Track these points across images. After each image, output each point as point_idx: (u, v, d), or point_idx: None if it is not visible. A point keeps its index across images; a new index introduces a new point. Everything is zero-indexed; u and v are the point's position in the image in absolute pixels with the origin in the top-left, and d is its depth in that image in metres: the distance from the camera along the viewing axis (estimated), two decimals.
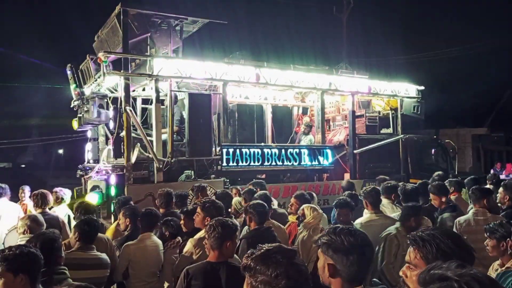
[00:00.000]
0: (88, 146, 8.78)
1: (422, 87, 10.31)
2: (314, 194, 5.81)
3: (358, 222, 4.27)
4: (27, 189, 7.28)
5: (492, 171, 14.01)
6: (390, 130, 10.15)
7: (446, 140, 11.91)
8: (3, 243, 6.04)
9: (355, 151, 9.13)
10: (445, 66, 23.76)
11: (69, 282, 2.61)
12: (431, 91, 12.95)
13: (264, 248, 1.59)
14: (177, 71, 7.11)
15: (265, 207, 3.99)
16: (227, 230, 2.90)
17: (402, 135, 9.79)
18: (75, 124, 7.99)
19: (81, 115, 7.84)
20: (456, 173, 10.62)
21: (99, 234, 4.13)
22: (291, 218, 4.98)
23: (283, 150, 8.12)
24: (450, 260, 1.51)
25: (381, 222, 4.25)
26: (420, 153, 10.34)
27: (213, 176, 7.44)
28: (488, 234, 2.92)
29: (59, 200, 6.09)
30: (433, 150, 10.66)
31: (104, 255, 3.47)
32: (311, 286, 1.58)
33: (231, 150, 7.53)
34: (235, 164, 7.55)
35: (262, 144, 8.91)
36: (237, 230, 3.08)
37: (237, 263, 2.91)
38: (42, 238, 2.76)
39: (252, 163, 7.72)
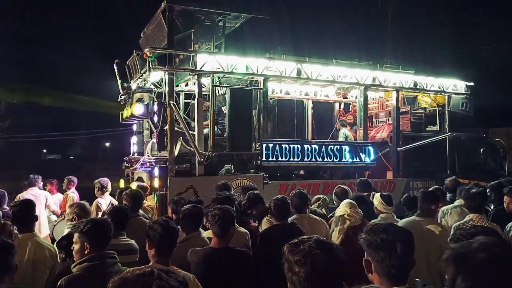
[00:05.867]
0: (134, 139, 9.07)
1: (472, 83, 9.82)
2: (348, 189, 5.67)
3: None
4: (75, 180, 7.68)
5: None
6: (436, 128, 9.77)
7: (496, 139, 11.31)
8: (52, 233, 6.45)
9: (398, 149, 8.88)
10: (497, 61, 22.49)
11: (119, 266, 2.73)
12: (481, 87, 12.30)
13: (300, 238, 1.68)
14: (219, 66, 7.20)
15: (287, 203, 4.08)
16: (230, 218, 3.15)
17: (449, 133, 9.41)
18: (128, 112, 8.00)
19: (127, 108, 8.11)
20: (506, 173, 10.11)
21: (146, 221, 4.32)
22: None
23: (323, 146, 8.02)
24: None
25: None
26: (468, 152, 9.90)
27: (252, 170, 7.48)
28: None
29: (104, 190, 6.39)
30: (481, 149, 10.16)
31: (133, 241, 3.57)
32: (344, 276, 1.61)
33: (270, 145, 7.55)
34: (274, 159, 7.55)
35: (302, 139, 8.84)
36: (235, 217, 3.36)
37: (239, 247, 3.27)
38: (93, 222, 2.84)
39: (291, 159, 7.70)
